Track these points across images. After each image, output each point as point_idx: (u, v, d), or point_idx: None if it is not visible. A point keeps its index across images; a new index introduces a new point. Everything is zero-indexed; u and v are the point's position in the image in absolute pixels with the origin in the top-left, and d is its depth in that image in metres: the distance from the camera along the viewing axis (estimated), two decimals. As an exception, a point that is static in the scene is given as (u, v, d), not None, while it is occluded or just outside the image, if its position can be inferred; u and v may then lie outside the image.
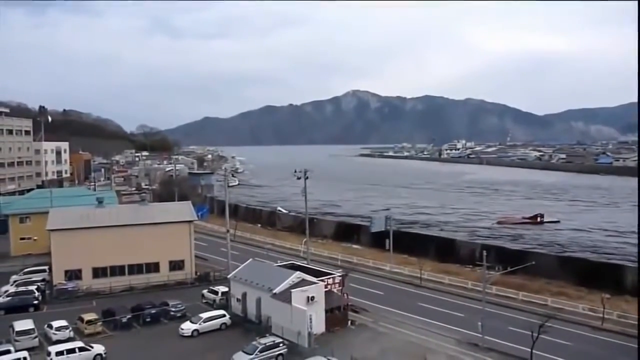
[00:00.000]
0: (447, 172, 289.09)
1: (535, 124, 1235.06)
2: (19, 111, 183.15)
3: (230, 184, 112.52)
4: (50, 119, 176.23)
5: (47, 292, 55.54)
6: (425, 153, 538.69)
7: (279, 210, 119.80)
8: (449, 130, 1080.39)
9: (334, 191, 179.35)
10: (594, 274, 59.75)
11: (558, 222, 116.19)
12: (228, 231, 64.83)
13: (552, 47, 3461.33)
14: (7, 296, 51.89)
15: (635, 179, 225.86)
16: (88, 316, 45.49)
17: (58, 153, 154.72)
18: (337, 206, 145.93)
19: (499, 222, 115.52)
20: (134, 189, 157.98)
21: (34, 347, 40.63)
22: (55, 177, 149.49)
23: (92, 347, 39.48)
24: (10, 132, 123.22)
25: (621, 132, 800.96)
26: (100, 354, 39.30)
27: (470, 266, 65.61)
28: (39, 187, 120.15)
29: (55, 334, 42.31)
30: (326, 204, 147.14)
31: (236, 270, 51.24)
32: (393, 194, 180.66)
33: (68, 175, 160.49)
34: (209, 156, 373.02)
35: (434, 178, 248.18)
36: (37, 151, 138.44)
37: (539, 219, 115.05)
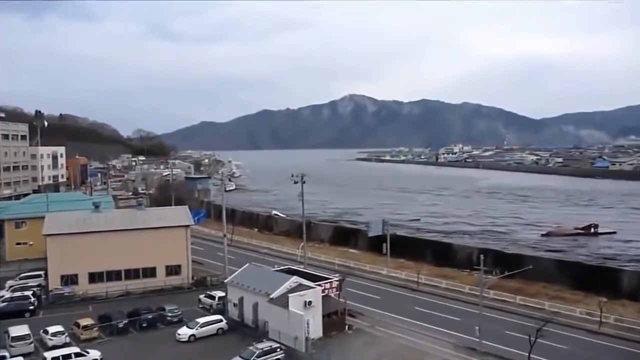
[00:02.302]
0: (452, 177, 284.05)
1: (531, 128, 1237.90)
2: (14, 115, 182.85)
3: (227, 189, 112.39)
4: (46, 123, 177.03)
5: (43, 297, 55.21)
6: (422, 157, 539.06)
7: (276, 215, 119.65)
8: (445, 134, 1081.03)
9: (347, 198, 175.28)
10: (590, 278, 59.81)
11: (614, 233, 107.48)
12: (225, 235, 64.80)
13: (549, 51, 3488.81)
14: (3, 301, 51.54)
15: (633, 182, 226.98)
16: (84, 321, 45.29)
17: (54, 157, 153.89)
18: (359, 215, 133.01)
19: (548, 234, 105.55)
20: (130, 193, 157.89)
21: (29, 352, 40.43)
22: (51, 181, 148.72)
23: (88, 353, 39.27)
24: (6, 136, 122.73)
25: (612, 137, 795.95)
26: (96, 360, 39.15)
27: (468, 270, 65.52)
28: (35, 191, 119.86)
29: (51, 339, 42.13)
30: (345, 211, 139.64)
31: (233, 274, 51.10)
32: (415, 201, 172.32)
33: (64, 179, 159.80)
34: (206, 160, 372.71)
35: (446, 183, 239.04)
36: (33, 156, 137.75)
37: (592, 230, 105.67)
